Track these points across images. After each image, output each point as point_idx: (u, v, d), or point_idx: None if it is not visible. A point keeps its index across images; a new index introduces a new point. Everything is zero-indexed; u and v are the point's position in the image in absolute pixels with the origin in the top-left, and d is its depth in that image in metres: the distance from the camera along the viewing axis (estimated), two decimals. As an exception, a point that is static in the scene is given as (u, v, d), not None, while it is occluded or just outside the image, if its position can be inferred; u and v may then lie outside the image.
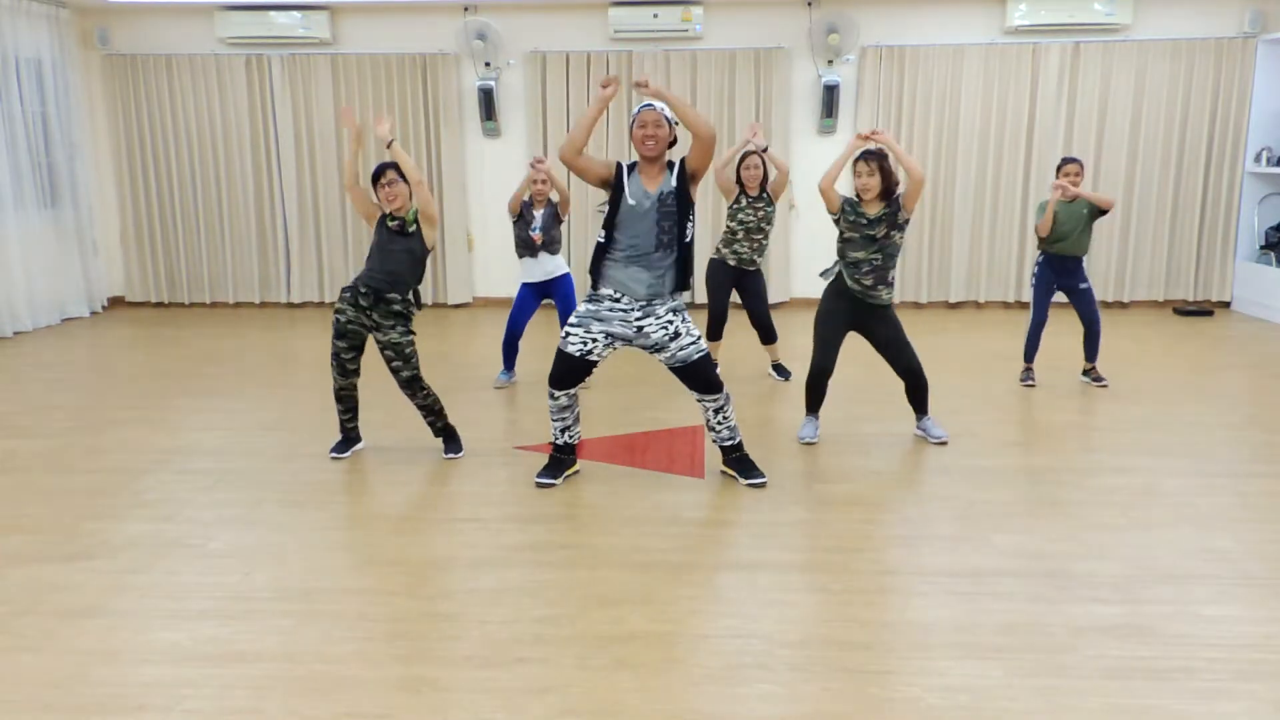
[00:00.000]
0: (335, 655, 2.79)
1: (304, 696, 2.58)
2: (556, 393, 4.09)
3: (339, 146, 8.61)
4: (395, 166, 4.29)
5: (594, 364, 4.04)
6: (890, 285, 4.52)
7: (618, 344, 4.03)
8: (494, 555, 3.47)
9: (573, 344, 4.00)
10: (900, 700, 2.55)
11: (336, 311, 4.37)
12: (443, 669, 2.71)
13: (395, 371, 4.39)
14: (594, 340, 3.99)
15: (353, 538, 3.64)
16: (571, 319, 4.04)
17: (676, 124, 3.94)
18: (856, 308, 4.56)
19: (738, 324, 6.68)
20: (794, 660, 2.75)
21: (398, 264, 4.32)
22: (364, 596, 3.15)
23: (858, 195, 4.46)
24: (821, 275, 4.71)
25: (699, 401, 4.13)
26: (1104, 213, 5.48)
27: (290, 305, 8.99)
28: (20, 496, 4.10)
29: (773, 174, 5.79)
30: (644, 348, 4.03)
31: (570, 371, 4.04)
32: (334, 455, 4.55)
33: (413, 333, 4.40)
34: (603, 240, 3.95)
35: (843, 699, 2.56)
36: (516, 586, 3.22)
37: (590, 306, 4.01)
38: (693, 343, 4.01)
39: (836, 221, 4.52)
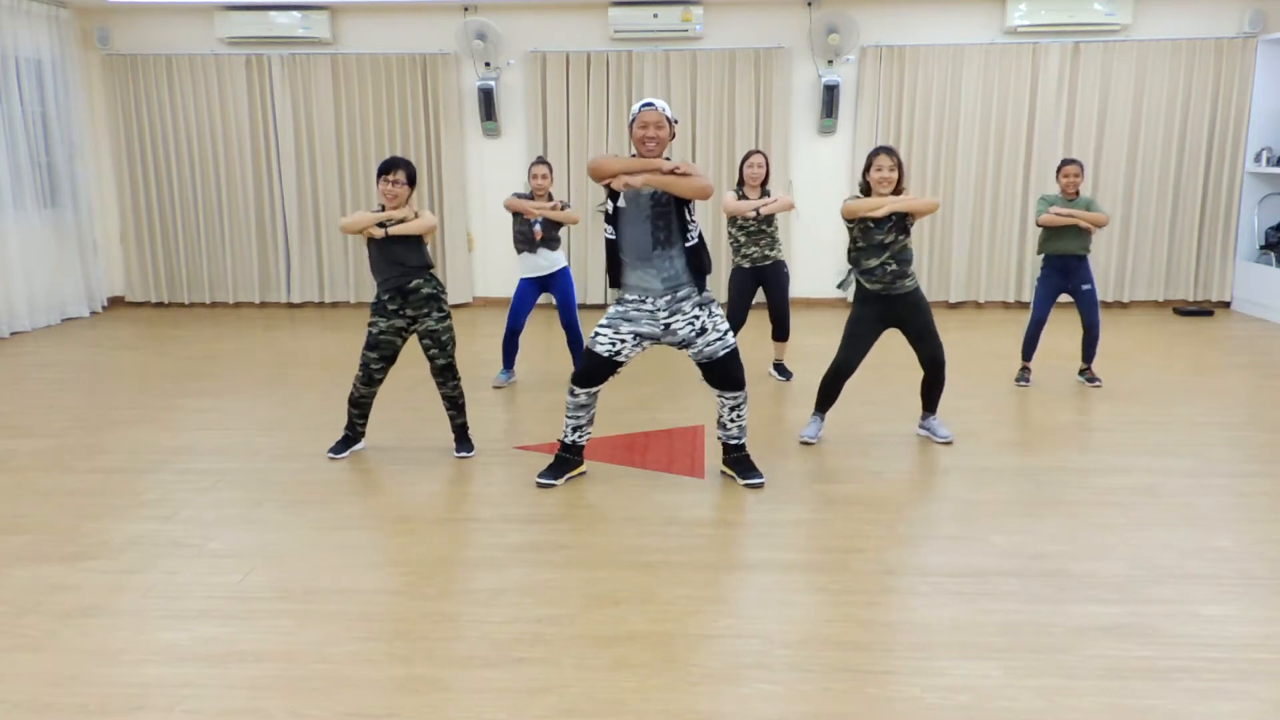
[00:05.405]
0: (335, 655, 2.78)
1: (304, 696, 2.58)
2: (578, 390, 4.09)
3: (339, 146, 8.62)
4: (404, 166, 4.31)
5: (621, 364, 4.05)
6: (911, 275, 4.52)
7: (646, 343, 4.04)
8: (494, 555, 3.47)
9: (601, 344, 4.01)
10: (900, 700, 2.55)
11: (370, 324, 4.42)
12: (443, 669, 2.71)
13: (431, 359, 4.45)
14: (622, 341, 4.00)
15: (353, 538, 3.64)
16: (601, 320, 4.06)
17: (676, 122, 3.94)
18: (886, 305, 4.54)
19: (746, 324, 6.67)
20: (794, 660, 2.75)
21: (404, 256, 4.33)
22: (364, 596, 3.15)
23: (868, 188, 4.45)
24: (839, 288, 4.74)
25: (718, 397, 4.13)
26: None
27: (290, 305, 8.99)
28: (20, 496, 4.10)
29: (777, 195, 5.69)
30: (672, 344, 4.05)
31: (597, 371, 4.05)
32: (332, 455, 4.55)
33: (449, 317, 4.44)
34: (609, 239, 3.97)
35: (843, 699, 2.56)
36: (516, 586, 3.22)
37: (619, 309, 4.03)
38: (719, 338, 4.01)
39: (851, 229, 4.52)
